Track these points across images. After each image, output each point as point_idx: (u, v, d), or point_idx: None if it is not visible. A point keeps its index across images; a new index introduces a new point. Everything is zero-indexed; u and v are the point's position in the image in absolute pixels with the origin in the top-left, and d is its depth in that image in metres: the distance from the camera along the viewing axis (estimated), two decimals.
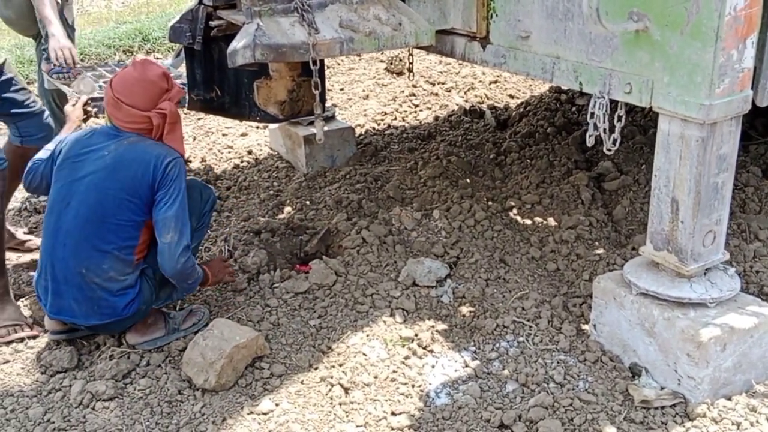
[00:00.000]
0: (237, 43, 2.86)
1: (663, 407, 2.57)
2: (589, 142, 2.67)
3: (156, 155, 2.85)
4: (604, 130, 2.62)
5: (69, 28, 4.91)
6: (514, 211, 3.88)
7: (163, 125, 2.89)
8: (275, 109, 3.51)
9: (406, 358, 2.88)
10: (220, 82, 3.64)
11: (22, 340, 3.14)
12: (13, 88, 3.72)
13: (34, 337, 3.16)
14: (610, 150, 2.66)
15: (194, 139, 5.41)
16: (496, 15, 3.06)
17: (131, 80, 2.88)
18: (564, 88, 5.55)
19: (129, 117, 2.88)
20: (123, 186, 2.82)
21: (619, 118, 2.62)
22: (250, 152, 5.08)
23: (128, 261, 2.86)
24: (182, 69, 5.72)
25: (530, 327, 2.98)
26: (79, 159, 2.92)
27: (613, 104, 2.64)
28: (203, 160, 5.00)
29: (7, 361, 3.05)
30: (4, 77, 3.68)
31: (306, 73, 3.35)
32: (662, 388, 2.63)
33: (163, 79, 2.91)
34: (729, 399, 2.57)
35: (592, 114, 2.64)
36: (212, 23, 3.49)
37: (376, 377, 2.79)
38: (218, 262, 3.25)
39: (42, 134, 3.79)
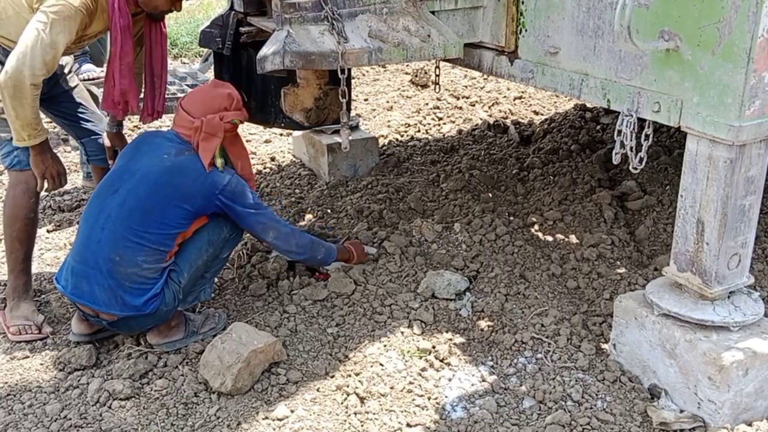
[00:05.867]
0: (267, 50, 2.88)
1: (682, 430, 2.54)
2: (615, 159, 2.65)
3: (216, 171, 2.98)
4: (631, 148, 2.61)
5: None
6: (536, 227, 3.86)
7: (198, 133, 2.98)
8: (301, 117, 3.52)
9: (423, 370, 2.87)
10: (247, 87, 3.66)
11: (28, 342, 3.16)
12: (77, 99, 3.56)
13: (42, 339, 3.18)
14: (636, 168, 2.64)
15: None
16: (526, 30, 3.06)
17: (199, 90, 3.16)
18: (589, 105, 5.53)
19: (179, 120, 3.04)
20: (176, 190, 2.91)
21: (647, 137, 2.60)
22: (273, 159, 5.11)
23: (161, 259, 2.90)
24: (209, 74, 5.77)
25: (549, 344, 2.96)
26: (137, 151, 3.05)
27: (641, 123, 2.63)
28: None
29: (27, 357, 3.08)
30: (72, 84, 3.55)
31: (333, 82, 3.36)
32: (681, 411, 2.60)
33: (226, 99, 3.05)
34: (749, 425, 2.54)
35: (619, 132, 2.62)
36: (242, 29, 3.51)
37: (392, 388, 2.78)
38: (359, 245, 3.50)
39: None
